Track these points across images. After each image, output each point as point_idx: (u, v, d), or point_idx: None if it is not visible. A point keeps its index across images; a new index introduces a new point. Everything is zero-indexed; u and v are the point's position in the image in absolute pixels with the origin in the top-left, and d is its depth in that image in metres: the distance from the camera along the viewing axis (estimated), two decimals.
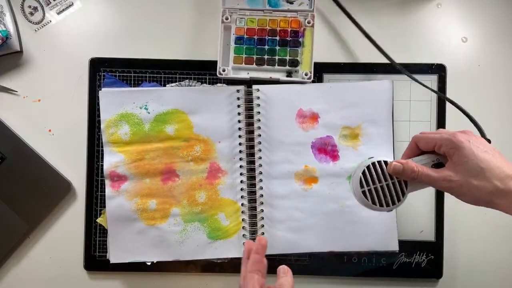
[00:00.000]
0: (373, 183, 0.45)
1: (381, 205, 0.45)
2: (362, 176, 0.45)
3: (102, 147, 0.62)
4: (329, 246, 0.62)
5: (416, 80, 0.59)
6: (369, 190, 0.45)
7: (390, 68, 0.63)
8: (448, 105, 0.63)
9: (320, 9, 0.64)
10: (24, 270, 0.63)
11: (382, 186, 0.45)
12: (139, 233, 0.61)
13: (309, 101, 0.62)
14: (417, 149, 0.46)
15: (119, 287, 0.63)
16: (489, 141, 0.48)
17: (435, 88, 0.63)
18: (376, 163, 0.45)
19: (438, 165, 0.45)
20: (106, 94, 0.62)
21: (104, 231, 0.62)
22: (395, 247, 0.61)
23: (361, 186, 0.45)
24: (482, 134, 0.50)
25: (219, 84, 0.63)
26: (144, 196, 0.61)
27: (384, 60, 0.62)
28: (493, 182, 0.41)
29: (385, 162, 0.45)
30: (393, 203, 0.45)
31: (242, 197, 0.62)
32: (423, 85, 0.60)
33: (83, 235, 0.63)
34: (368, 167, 0.45)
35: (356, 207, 0.61)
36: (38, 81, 0.64)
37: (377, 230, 0.61)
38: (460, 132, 0.44)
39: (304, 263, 0.62)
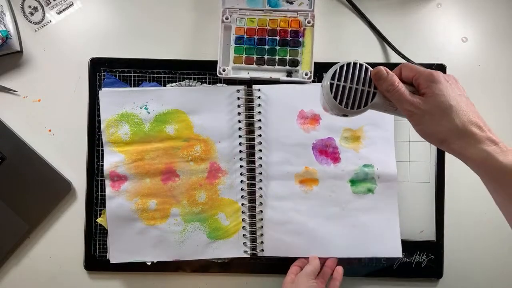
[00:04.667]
0: (345, 80, 0.44)
1: (340, 103, 0.44)
2: (338, 69, 0.44)
3: (102, 147, 0.62)
4: (329, 252, 0.61)
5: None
6: (337, 85, 0.44)
7: (390, 68, 0.63)
8: None
9: (320, 9, 0.64)
10: (24, 270, 0.63)
11: (351, 88, 0.44)
12: (139, 233, 0.61)
13: (310, 102, 0.62)
14: (399, 76, 0.46)
15: (119, 287, 0.63)
16: None
17: None
18: (358, 65, 0.44)
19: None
20: (106, 94, 0.62)
21: (104, 231, 0.62)
22: (398, 253, 0.61)
23: (332, 78, 0.44)
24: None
25: (219, 84, 0.63)
26: (144, 196, 0.61)
27: (383, 60, 0.62)
28: (454, 122, 0.41)
29: (366, 68, 0.45)
30: (352, 107, 0.44)
31: (242, 197, 0.62)
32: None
33: (83, 235, 0.63)
34: (348, 64, 0.44)
35: (358, 212, 0.61)
36: (38, 81, 0.64)
37: (380, 236, 0.61)
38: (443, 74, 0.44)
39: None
